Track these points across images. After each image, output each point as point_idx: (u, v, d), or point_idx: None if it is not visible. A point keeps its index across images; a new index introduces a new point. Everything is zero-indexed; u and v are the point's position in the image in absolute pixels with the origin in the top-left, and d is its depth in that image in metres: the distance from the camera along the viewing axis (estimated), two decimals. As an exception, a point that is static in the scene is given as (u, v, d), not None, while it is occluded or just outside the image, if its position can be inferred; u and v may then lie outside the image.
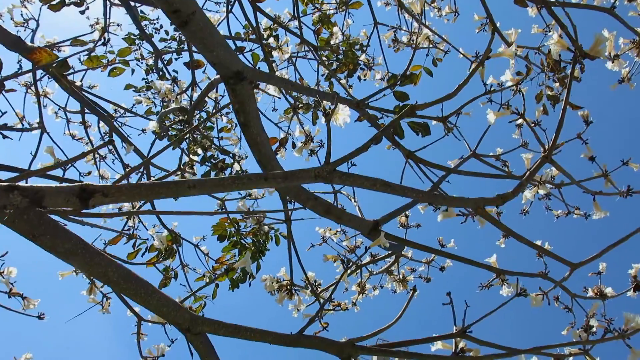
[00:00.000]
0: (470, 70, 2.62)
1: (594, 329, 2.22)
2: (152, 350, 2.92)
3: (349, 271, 2.78)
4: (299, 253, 2.37)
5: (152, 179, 3.67)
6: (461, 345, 1.91)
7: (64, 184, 1.05)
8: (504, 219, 3.41)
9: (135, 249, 4.08)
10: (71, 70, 2.75)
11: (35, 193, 1.02)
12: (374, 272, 3.73)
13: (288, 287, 2.52)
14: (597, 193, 2.05)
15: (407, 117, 1.85)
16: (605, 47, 1.69)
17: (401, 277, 3.80)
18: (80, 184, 1.05)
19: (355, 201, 2.58)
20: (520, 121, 3.03)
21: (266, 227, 2.63)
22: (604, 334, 2.21)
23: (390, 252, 3.13)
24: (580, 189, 2.37)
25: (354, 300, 3.62)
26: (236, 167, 2.74)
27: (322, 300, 2.39)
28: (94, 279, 2.62)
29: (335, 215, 2.11)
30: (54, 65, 2.27)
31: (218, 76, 1.81)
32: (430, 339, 1.90)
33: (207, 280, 4.13)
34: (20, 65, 2.77)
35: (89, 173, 3.58)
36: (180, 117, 2.40)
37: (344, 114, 1.19)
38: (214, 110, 3.81)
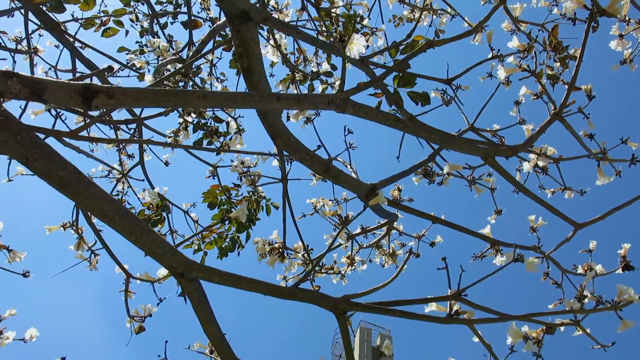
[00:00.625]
0: (474, 37, 2.58)
1: (587, 300, 2.22)
2: (139, 310, 2.88)
3: (344, 242, 2.75)
4: (294, 214, 2.33)
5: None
6: (455, 307, 1.90)
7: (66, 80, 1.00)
8: (498, 197, 3.42)
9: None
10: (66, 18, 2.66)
11: (36, 84, 0.95)
12: (364, 245, 3.71)
13: (280, 249, 2.49)
14: (602, 159, 2.03)
15: (424, 51, 1.81)
16: (622, 6, 1.66)
17: (391, 251, 3.79)
18: (83, 82, 1.00)
19: (351, 167, 2.54)
20: (519, 98, 3.02)
21: (260, 189, 2.58)
22: (596, 305, 2.21)
23: (382, 223, 3.11)
24: (573, 169, 2.35)
25: (343, 272, 3.61)
26: (233, 125, 2.68)
27: (314, 263, 2.37)
28: (82, 234, 2.57)
29: (332, 175, 2.08)
30: (48, 4, 2.18)
31: (221, 22, 1.75)
32: (424, 299, 1.88)
33: (196, 248, 4.09)
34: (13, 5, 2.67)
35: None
36: (178, 70, 2.33)
37: (359, 44, 1.14)
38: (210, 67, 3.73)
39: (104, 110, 1.07)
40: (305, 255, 2.67)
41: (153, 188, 3.83)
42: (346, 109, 1.22)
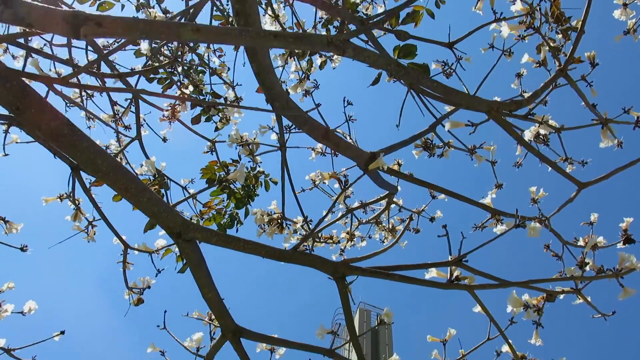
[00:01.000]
0: (476, 5, 2.53)
1: (588, 268, 2.20)
2: (137, 282, 2.87)
3: (343, 207, 2.73)
4: (293, 184, 2.30)
5: (142, 116, 3.55)
6: (456, 273, 1.88)
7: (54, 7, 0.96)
8: (498, 170, 3.39)
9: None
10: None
11: (21, 4, 0.91)
12: (363, 221, 3.69)
13: (279, 220, 2.46)
14: (606, 121, 2.00)
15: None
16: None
17: (390, 226, 3.77)
18: (72, 9, 0.96)
19: (351, 138, 2.51)
20: (521, 70, 2.97)
21: (258, 159, 2.55)
22: (597, 272, 2.20)
23: (381, 196, 3.08)
24: (574, 139, 2.32)
25: (342, 248, 3.59)
26: (231, 94, 2.64)
27: (314, 234, 2.34)
28: (79, 205, 2.54)
29: (332, 142, 2.05)
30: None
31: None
32: (425, 265, 1.86)
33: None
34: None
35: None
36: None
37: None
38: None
39: (92, 39, 1.03)
40: (305, 226, 2.65)
41: (159, 175, 3.81)
42: (346, 51, 1.18)
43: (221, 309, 1.73)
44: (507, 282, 1.96)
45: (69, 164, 2.20)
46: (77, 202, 2.56)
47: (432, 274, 1.89)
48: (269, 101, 2.00)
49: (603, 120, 2.01)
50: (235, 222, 4.15)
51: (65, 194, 2.56)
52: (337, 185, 3.36)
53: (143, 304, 2.88)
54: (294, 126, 2.18)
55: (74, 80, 1.66)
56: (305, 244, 2.26)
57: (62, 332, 3.03)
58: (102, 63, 3.38)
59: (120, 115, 2.75)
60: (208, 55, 3.51)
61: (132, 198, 1.31)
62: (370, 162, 2.18)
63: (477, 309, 2.48)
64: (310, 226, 2.60)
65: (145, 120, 3.67)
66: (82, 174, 2.27)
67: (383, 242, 3.82)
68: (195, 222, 4.09)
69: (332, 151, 2.19)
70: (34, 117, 1.06)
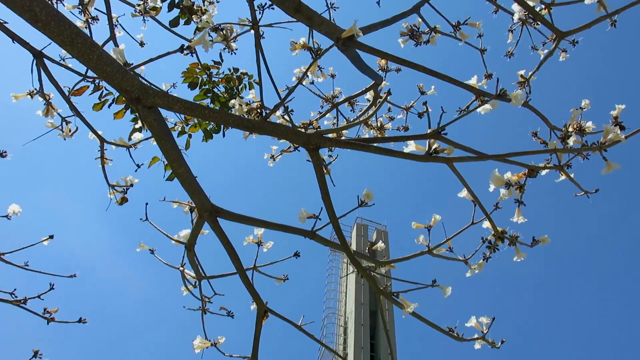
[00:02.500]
0: None
1: (571, 142, 2.16)
2: (119, 181, 2.85)
3: (315, 77, 2.64)
4: (268, 67, 2.19)
5: (114, 16, 3.38)
6: (435, 146, 1.84)
7: None
8: (488, 59, 3.28)
9: (102, 100, 3.88)
10: None
11: None
12: (351, 120, 3.62)
13: (258, 109, 2.39)
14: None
15: None
16: None
17: (379, 124, 3.71)
18: None
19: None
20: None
21: (233, 46, 2.42)
22: (581, 147, 2.16)
23: (366, 87, 2.99)
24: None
25: (330, 148, 3.54)
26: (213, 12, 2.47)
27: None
28: (50, 100, 2.45)
29: (305, 16, 1.92)
30: None
31: None
32: (403, 137, 1.81)
33: (179, 131, 4.00)
34: None
35: None
36: None
37: None
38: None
39: None
40: (286, 117, 2.58)
41: (127, 66, 3.67)
42: None
43: (194, 186, 1.69)
44: (486, 155, 1.91)
45: (31, 51, 2.09)
46: (47, 97, 2.47)
47: (410, 147, 1.84)
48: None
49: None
50: (222, 126, 4.07)
51: (35, 89, 2.47)
52: (321, 79, 3.26)
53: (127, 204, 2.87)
54: (266, 3, 2.05)
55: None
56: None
57: (51, 237, 3.05)
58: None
59: (87, 3, 2.59)
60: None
61: (80, 55, 1.22)
62: (348, 40, 2.07)
63: (463, 193, 2.47)
64: (291, 116, 2.53)
65: (118, 22, 3.50)
66: (47, 62, 2.16)
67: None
68: (180, 128, 4.02)
69: (309, 27, 2.06)
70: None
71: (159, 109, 1.46)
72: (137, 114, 3.77)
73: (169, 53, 2.12)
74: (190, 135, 4.01)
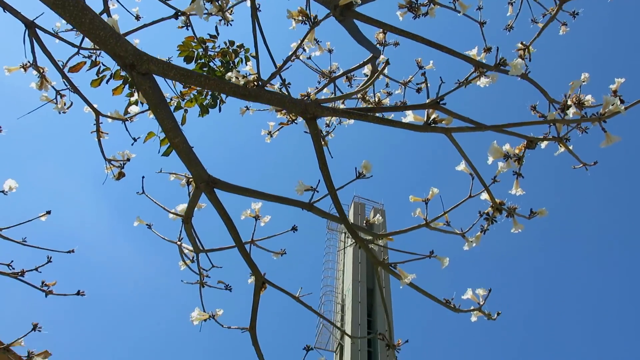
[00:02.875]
0: None
1: (570, 114, 2.14)
2: (116, 156, 2.83)
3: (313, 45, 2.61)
4: (266, 39, 2.15)
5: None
6: (433, 116, 1.82)
7: None
8: (487, 33, 3.24)
9: (99, 76, 3.83)
10: None
11: None
12: (349, 94, 3.59)
13: (255, 82, 2.36)
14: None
15: None
16: None
17: (376, 100, 3.68)
18: None
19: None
20: None
21: (229, 17, 2.38)
22: (580, 118, 2.14)
23: (364, 61, 2.95)
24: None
25: (327, 122, 3.52)
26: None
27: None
28: (44, 73, 2.42)
29: (302, -16, 1.89)
30: None
31: None
32: (401, 107, 1.80)
33: (175, 106, 3.96)
34: None
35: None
36: None
37: None
38: None
39: None
40: (284, 90, 2.56)
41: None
42: None
43: (191, 156, 1.68)
44: (484, 125, 1.90)
45: (22, 21, 2.05)
46: (41, 70, 2.43)
47: (409, 118, 1.82)
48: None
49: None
50: (218, 101, 4.04)
51: (29, 62, 2.43)
52: (318, 53, 3.23)
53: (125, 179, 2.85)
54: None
55: None
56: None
57: (48, 212, 3.04)
58: None
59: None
60: None
61: (72, 18, 1.19)
62: (345, 9, 2.04)
63: (461, 167, 2.47)
64: (288, 88, 2.51)
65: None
66: (41, 34, 2.12)
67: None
68: (176, 103, 3.98)
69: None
70: None
71: (155, 77, 1.44)
72: (133, 88, 3.73)
73: (163, 19, 2.08)
74: (186, 111, 3.98)
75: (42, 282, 2.21)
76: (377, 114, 1.68)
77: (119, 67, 3.69)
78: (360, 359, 26.60)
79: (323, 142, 1.78)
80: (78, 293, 2.36)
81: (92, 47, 3.79)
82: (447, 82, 2.08)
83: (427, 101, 1.79)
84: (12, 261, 2.18)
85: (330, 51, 3.51)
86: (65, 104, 2.55)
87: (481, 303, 2.35)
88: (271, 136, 3.42)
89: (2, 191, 2.88)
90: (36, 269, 2.22)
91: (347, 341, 27.41)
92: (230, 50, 3.80)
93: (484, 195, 2.19)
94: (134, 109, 2.52)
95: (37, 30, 2.10)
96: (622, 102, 2.56)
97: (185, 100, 3.95)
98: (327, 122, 3.55)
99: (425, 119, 1.82)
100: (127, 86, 3.80)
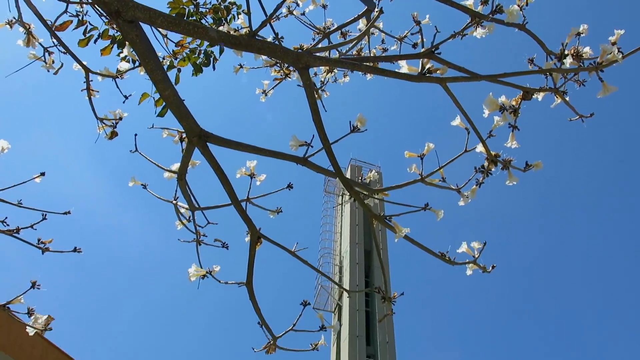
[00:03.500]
0: None
1: (567, 64, 2.11)
2: (108, 115, 2.79)
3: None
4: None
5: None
6: (428, 66, 1.79)
7: None
8: None
9: (87, 36, 3.74)
10: None
11: None
12: (344, 52, 3.53)
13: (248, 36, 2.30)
14: None
15: None
16: None
17: (372, 55, 3.62)
18: None
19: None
20: None
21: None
22: (578, 67, 2.11)
23: (358, 15, 2.89)
24: None
25: (322, 79, 3.48)
26: None
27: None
28: (30, 30, 2.36)
29: None
30: None
31: None
32: (395, 57, 1.76)
33: (168, 65, 3.89)
34: None
35: None
36: None
37: None
38: None
39: None
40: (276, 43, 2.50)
41: None
42: None
43: (182, 109, 1.65)
44: (479, 75, 1.87)
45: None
46: (27, 26, 2.37)
47: (403, 69, 1.79)
48: None
49: None
50: (212, 59, 3.97)
51: (14, 18, 2.37)
52: (312, 7, 3.15)
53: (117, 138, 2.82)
54: None
55: None
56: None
57: (42, 174, 3.02)
58: None
59: None
60: None
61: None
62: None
63: (456, 121, 2.44)
64: (281, 42, 2.45)
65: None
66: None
67: (367, 78, 3.71)
68: (169, 62, 3.91)
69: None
70: None
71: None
72: (123, 47, 3.65)
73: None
74: (179, 70, 3.91)
75: (39, 240, 2.22)
76: (370, 64, 1.65)
77: (107, 27, 3.62)
78: (358, 319, 27.17)
79: (317, 96, 1.75)
80: (75, 250, 2.37)
81: (81, 10, 3.70)
82: (443, 33, 2.04)
83: (422, 50, 1.76)
84: (6, 217, 2.18)
85: (324, 7, 3.44)
86: (53, 62, 2.50)
87: (476, 256, 2.37)
88: (266, 95, 3.38)
89: (-6, 152, 2.85)
90: (31, 227, 2.22)
91: (345, 302, 27.92)
92: (222, 6, 3.71)
93: (480, 148, 2.18)
94: (124, 65, 2.47)
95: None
96: (620, 53, 2.52)
97: (178, 60, 3.88)
98: (322, 79, 3.51)
99: (419, 69, 1.78)
100: (115, 46, 3.72)
